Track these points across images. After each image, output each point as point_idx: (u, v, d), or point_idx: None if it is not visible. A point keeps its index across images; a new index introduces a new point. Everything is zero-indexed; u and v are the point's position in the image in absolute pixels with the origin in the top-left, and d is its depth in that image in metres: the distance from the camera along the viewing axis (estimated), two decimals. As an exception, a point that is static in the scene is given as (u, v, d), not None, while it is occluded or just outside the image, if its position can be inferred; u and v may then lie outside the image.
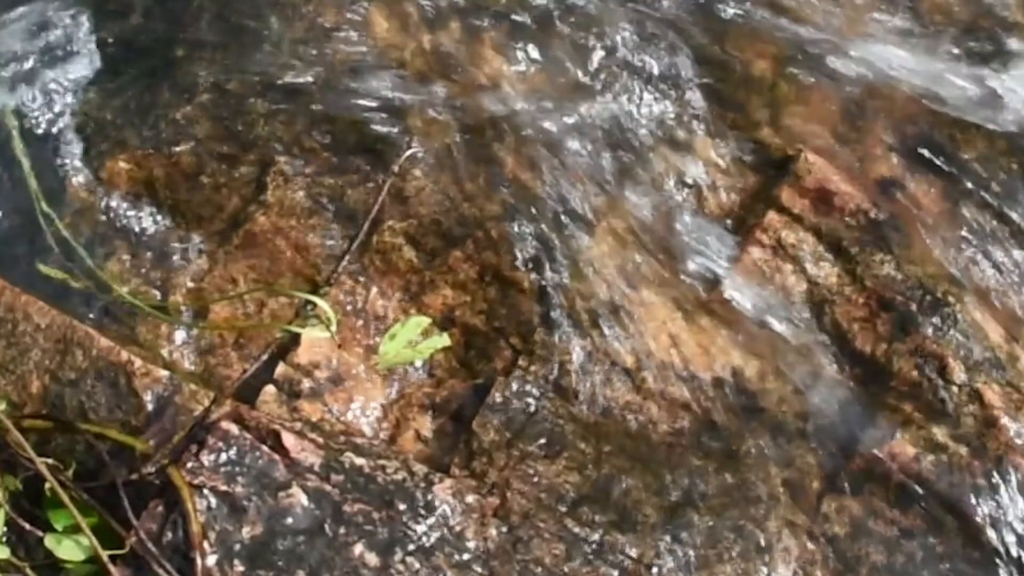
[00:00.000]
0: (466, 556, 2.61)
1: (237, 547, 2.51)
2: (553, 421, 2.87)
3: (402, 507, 2.62)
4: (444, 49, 3.44)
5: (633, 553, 2.71)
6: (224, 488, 2.55)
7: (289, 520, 2.55)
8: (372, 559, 2.55)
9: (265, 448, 2.61)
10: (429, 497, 2.65)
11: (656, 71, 3.50)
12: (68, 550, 2.48)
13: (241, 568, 2.50)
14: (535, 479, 2.77)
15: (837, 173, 3.33)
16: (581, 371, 2.94)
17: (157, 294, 2.97)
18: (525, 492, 2.74)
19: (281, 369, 2.84)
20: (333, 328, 2.63)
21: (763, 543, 2.80)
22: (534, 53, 3.47)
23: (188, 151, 3.15)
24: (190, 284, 2.98)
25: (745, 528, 2.81)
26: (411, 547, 2.59)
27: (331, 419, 2.79)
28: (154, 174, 3.12)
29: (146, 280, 2.99)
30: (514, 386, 2.88)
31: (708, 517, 2.81)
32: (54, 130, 3.16)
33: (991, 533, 2.86)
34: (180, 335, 2.92)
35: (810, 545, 2.83)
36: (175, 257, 3.02)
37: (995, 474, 2.92)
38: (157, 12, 3.39)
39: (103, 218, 3.05)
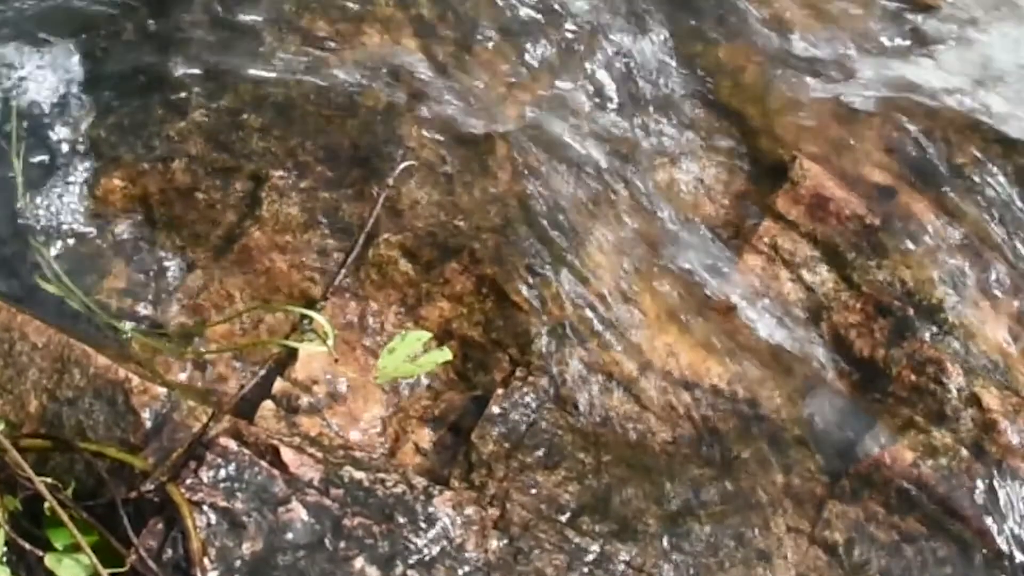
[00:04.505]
0: (467, 568, 2.61)
1: (237, 563, 2.51)
2: (552, 432, 2.87)
3: (402, 520, 2.62)
4: (438, 61, 3.45)
5: (634, 563, 2.71)
6: (224, 504, 2.54)
7: (289, 535, 2.55)
8: (373, 573, 2.55)
9: (264, 463, 2.61)
10: (429, 510, 2.65)
11: (650, 80, 3.51)
12: (68, 569, 2.48)
13: (242, 584, 2.50)
14: (535, 490, 2.77)
15: (832, 179, 3.34)
16: (579, 381, 2.94)
17: (153, 311, 2.97)
18: (525, 503, 2.74)
19: (279, 384, 2.84)
20: (330, 343, 2.63)
21: (764, 550, 2.80)
22: (527, 64, 3.48)
23: (182, 167, 3.15)
24: (186, 301, 2.98)
25: (746, 535, 2.81)
26: (412, 560, 2.58)
27: (330, 433, 2.79)
28: (148, 191, 3.12)
29: (142, 297, 2.98)
30: (512, 397, 2.88)
31: (709, 525, 2.81)
32: (49, 148, 3.16)
33: (991, 537, 2.86)
34: (177, 353, 2.92)
35: (811, 551, 2.83)
36: (171, 274, 3.02)
37: (994, 478, 2.93)
38: (150, 28, 3.39)
39: (98, 236, 3.05)
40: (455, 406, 2.90)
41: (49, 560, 2.48)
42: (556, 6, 3.59)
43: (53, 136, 3.18)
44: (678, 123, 3.46)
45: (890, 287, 3.19)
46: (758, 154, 3.41)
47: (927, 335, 3.12)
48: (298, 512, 2.58)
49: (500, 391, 2.89)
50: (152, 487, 2.53)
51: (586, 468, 2.83)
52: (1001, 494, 2.90)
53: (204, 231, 3.09)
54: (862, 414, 3.02)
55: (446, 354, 2.72)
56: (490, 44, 3.49)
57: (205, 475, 2.56)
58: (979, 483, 2.92)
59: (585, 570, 2.67)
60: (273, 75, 3.32)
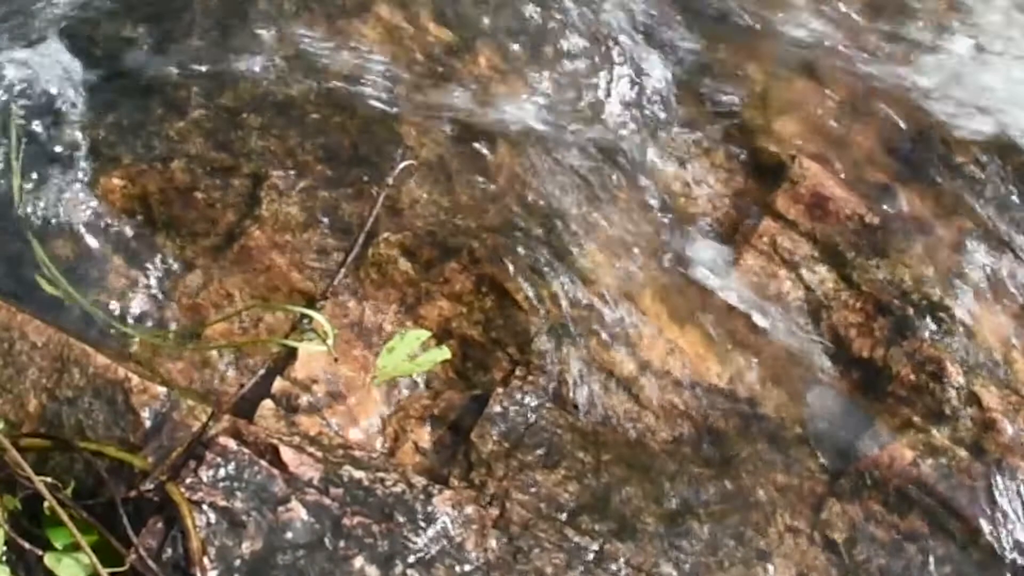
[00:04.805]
0: (467, 567, 2.61)
1: (237, 562, 2.51)
2: (552, 431, 2.87)
3: (402, 519, 2.62)
4: (436, 60, 3.45)
5: (634, 562, 2.71)
6: (223, 503, 2.54)
7: (289, 534, 2.55)
8: (372, 572, 2.55)
9: (264, 463, 2.61)
10: (429, 509, 2.65)
11: (649, 79, 3.51)
12: (68, 568, 2.47)
13: (242, 583, 2.50)
14: (534, 489, 2.77)
15: (831, 178, 3.34)
16: (579, 380, 2.94)
17: (153, 310, 2.97)
18: (525, 502, 2.74)
19: (279, 384, 2.84)
20: (330, 342, 2.63)
21: (764, 549, 2.80)
22: (527, 63, 3.48)
23: (182, 167, 3.15)
24: (186, 300, 2.98)
25: (745, 534, 2.81)
26: (411, 559, 2.58)
27: (329, 433, 2.79)
28: (148, 190, 3.12)
29: (142, 296, 2.98)
30: (512, 396, 2.88)
31: (708, 524, 2.81)
32: (48, 147, 3.16)
33: (991, 535, 2.86)
34: (177, 351, 2.92)
35: (811, 550, 2.83)
36: (170, 273, 3.02)
37: (994, 476, 2.93)
38: (149, 28, 3.39)
39: (98, 235, 3.05)
40: (455, 405, 2.90)
41: (48, 559, 2.48)
42: (556, 7, 3.59)
43: (53, 136, 3.18)
44: (677, 122, 3.46)
45: (890, 286, 3.19)
46: (757, 153, 3.41)
47: (927, 334, 3.12)
48: (298, 511, 2.57)
49: (500, 390, 2.89)
50: (152, 486, 2.53)
51: (585, 467, 2.83)
52: (1000, 493, 2.90)
53: (203, 230, 3.09)
54: (862, 413, 3.02)
55: (445, 353, 2.72)
56: (489, 44, 3.49)
57: (205, 474, 2.56)
58: (979, 482, 2.92)
59: (584, 569, 2.67)
60: (272, 74, 3.32)
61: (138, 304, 2.97)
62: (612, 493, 2.81)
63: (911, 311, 3.16)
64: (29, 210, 3.04)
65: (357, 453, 2.74)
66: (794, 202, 3.30)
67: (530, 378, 2.91)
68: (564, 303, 3.03)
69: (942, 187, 3.42)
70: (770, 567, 2.78)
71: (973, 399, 3.03)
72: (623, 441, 2.91)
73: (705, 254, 3.23)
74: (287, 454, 2.64)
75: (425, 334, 2.71)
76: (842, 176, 3.38)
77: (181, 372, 2.88)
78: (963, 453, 2.96)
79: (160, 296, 2.99)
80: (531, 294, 3.02)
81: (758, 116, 3.48)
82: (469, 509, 2.69)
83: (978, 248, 3.32)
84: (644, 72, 3.53)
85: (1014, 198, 3.43)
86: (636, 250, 3.20)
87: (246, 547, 2.52)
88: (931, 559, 2.83)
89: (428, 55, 3.45)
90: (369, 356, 2.92)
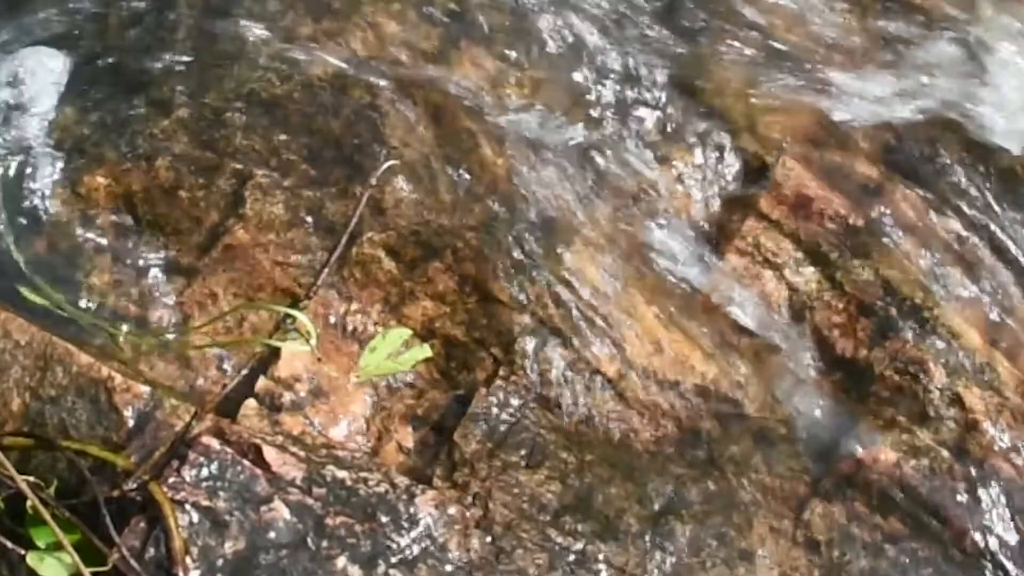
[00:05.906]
0: (449, 568, 2.61)
1: (220, 562, 2.50)
2: (535, 431, 2.87)
3: (384, 519, 2.62)
4: (422, 60, 3.44)
5: (616, 562, 2.71)
6: (206, 503, 2.54)
7: (271, 534, 2.55)
8: (355, 572, 2.55)
9: (246, 462, 2.61)
10: (411, 509, 2.65)
11: (634, 80, 3.51)
12: (51, 568, 2.47)
13: (224, 583, 2.50)
14: (517, 489, 2.77)
15: (815, 179, 3.34)
16: (563, 380, 2.94)
17: (136, 309, 2.97)
18: (508, 502, 2.74)
19: (262, 383, 2.83)
20: (313, 341, 2.62)
21: (746, 549, 2.81)
22: (512, 65, 3.48)
23: (166, 165, 3.14)
24: (170, 299, 2.98)
25: (728, 535, 2.82)
26: (394, 559, 2.58)
27: (312, 432, 2.78)
28: (132, 189, 3.11)
29: (126, 295, 2.98)
30: (495, 396, 2.88)
31: (691, 525, 2.81)
32: (31, 146, 3.15)
33: (973, 537, 2.87)
34: (160, 350, 2.92)
35: (793, 551, 2.83)
36: (154, 272, 3.02)
37: (976, 477, 2.93)
38: (133, 27, 3.38)
39: (82, 234, 3.05)
40: (438, 405, 2.90)
41: (31, 559, 2.47)
42: (542, 8, 3.59)
43: (36, 134, 3.17)
44: (663, 122, 3.46)
45: (873, 287, 3.20)
46: (741, 154, 3.41)
47: (910, 335, 3.13)
48: (280, 511, 2.57)
49: (483, 390, 2.90)
50: (134, 486, 2.52)
51: (569, 467, 2.83)
52: (983, 494, 2.91)
53: (188, 229, 3.08)
54: (845, 414, 3.03)
55: (426, 351, 2.71)
56: (474, 43, 3.49)
57: (187, 474, 2.56)
58: (961, 483, 2.92)
59: (567, 569, 2.67)
60: (257, 73, 3.32)
61: (121, 303, 2.97)
62: (595, 493, 2.81)
63: (894, 312, 3.16)
64: (11, 209, 3.04)
65: (340, 453, 2.74)
66: (778, 203, 3.30)
67: (513, 378, 2.92)
68: (548, 303, 3.03)
69: (926, 188, 3.43)
70: (752, 567, 2.78)
71: (956, 400, 3.04)
72: (606, 441, 2.91)
73: (689, 254, 3.23)
74: (270, 454, 2.64)
75: (407, 333, 2.70)
76: (826, 176, 3.38)
77: (164, 371, 2.88)
78: (946, 454, 2.96)
79: (144, 295, 2.99)
80: (515, 294, 3.02)
81: (742, 117, 3.48)
82: (452, 509, 2.69)
83: (962, 249, 3.33)
84: (628, 72, 3.52)
85: (998, 200, 3.43)
86: (620, 250, 3.20)
87: (229, 547, 2.52)
88: (913, 560, 2.84)
89: (413, 55, 3.44)
90: (353, 355, 2.92)
